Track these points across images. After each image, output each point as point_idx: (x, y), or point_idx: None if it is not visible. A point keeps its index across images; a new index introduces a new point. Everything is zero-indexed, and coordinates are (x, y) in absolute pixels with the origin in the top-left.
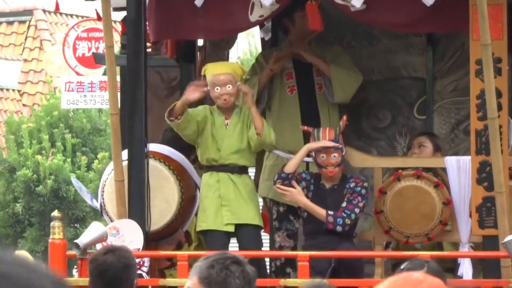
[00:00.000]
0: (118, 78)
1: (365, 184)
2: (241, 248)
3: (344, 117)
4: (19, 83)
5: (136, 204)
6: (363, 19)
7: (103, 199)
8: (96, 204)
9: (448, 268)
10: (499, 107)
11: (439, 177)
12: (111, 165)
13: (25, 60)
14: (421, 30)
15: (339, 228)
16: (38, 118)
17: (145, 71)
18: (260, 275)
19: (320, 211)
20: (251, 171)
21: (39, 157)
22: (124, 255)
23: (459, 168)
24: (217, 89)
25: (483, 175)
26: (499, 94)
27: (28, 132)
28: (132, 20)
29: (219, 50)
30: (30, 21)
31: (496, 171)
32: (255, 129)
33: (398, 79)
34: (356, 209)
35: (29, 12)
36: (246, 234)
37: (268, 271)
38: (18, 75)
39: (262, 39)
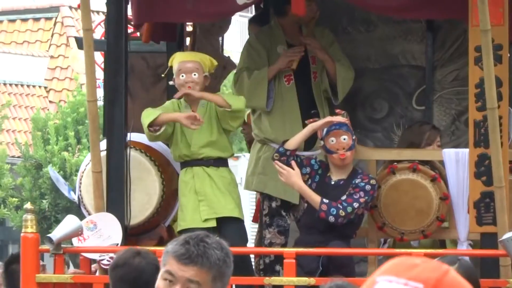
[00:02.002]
0: None
1: (372, 182)
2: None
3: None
4: (45, 79)
5: (115, 197)
6: (358, 3)
7: (80, 191)
8: (74, 197)
9: None
10: (499, 97)
11: (437, 170)
12: (89, 156)
13: (52, 57)
14: (419, 16)
15: (331, 219)
16: (65, 115)
17: (126, 56)
18: (246, 272)
19: (315, 198)
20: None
21: (65, 153)
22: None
23: (458, 161)
24: (182, 76)
25: (482, 169)
26: (499, 83)
27: (55, 128)
28: (113, 2)
29: (211, 36)
30: (56, 17)
31: (496, 164)
32: (219, 107)
33: (396, 67)
34: (354, 203)
35: (55, 9)
36: (228, 229)
37: (255, 268)
38: (45, 71)
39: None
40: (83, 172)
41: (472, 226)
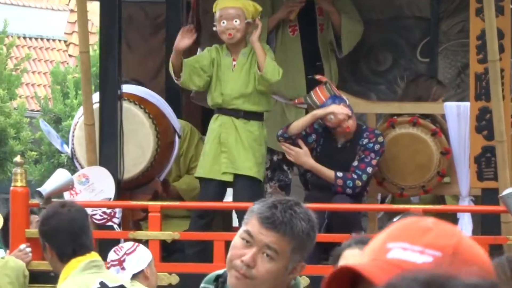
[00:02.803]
0: None
1: (380, 139)
2: (235, 200)
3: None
4: (65, 33)
5: (108, 150)
6: None
7: (73, 144)
8: (67, 150)
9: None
10: (501, 49)
11: (438, 124)
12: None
13: (72, 11)
14: None
15: (349, 191)
16: None
17: (120, 6)
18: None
19: (328, 173)
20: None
21: None
22: (80, 206)
23: (459, 115)
24: (223, 22)
25: (483, 123)
26: (501, 35)
27: (74, 82)
28: None
29: None
30: None
31: (497, 118)
32: (257, 64)
33: (401, 18)
34: (368, 168)
35: None
36: (240, 186)
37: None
38: (64, 25)
39: None
40: (76, 125)
41: (472, 182)
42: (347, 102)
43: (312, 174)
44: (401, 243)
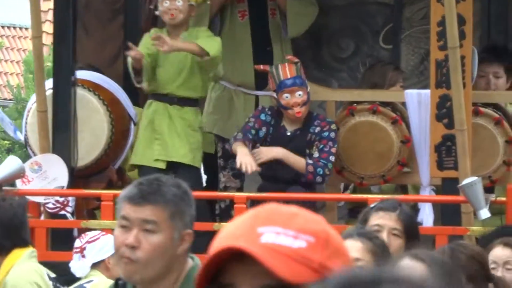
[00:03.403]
0: None
1: (333, 126)
2: None
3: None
4: None
5: (61, 138)
6: None
7: (26, 131)
8: (20, 137)
9: None
10: (462, 36)
11: (398, 112)
12: None
13: None
14: None
15: (319, 179)
16: None
17: None
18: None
19: (299, 161)
20: None
21: None
22: (20, 199)
23: (420, 103)
24: (166, 3)
25: (443, 111)
26: (462, 21)
27: (47, 71)
28: None
29: None
30: None
31: (457, 106)
32: (199, 57)
33: (363, 4)
34: (330, 157)
35: None
36: (179, 175)
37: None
38: None
39: None
40: (29, 111)
41: (433, 171)
42: (308, 89)
43: (263, 165)
44: (273, 227)
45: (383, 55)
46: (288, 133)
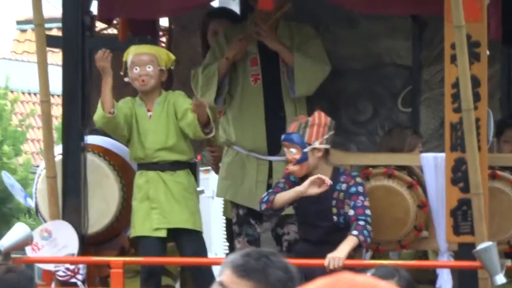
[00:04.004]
0: None
1: (359, 180)
2: (181, 255)
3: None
4: None
5: (71, 204)
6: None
7: (36, 197)
8: (31, 204)
9: (431, 280)
10: (477, 98)
11: (415, 176)
12: None
13: None
14: (389, 11)
15: (368, 240)
16: None
17: (83, 53)
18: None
19: (351, 240)
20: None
21: None
22: (27, 272)
23: (437, 167)
24: (136, 69)
25: (459, 174)
26: (476, 83)
27: None
28: None
29: (190, 33)
30: None
31: (472, 169)
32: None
33: (381, 66)
34: (366, 211)
35: None
36: (182, 241)
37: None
38: None
39: None
40: (38, 177)
41: (449, 236)
42: (306, 149)
43: (301, 226)
44: None
45: (402, 118)
46: (316, 195)
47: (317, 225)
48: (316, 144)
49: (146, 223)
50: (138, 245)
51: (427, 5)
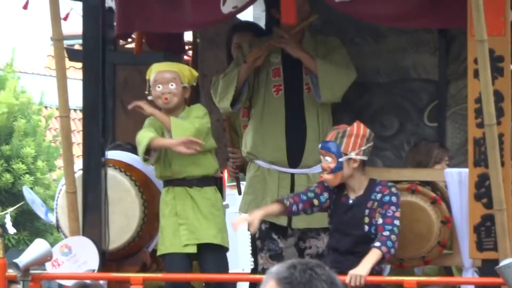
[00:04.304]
0: None
1: (394, 190)
2: (202, 271)
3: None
4: None
5: (92, 220)
6: (348, 11)
7: (57, 213)
8: (52, 219)
9: None
10: (501, 113)
11: (438, 192)
12: None
13: None
14: (414, 24)
15: (393, 251)
16: None
17: (104, 67)
18: None
19: (374, 253)
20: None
21: None
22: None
23: (461, 182)
24: (159, 87)
25: (482, 190)
26: (500, 98)
27: None
28: (89, 8)
29: (216, 47)
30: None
31: (496, 185)
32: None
33: (407, 81)
34: (395, 221)
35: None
36: (206, 256)
37: None
38: None
39: None
40: (59, 193)
41: (472, 252)
42: (341, 159)
43: (332, 234)
44: None
45: (428, 133)
46: (350, 201)
47: (349, 233)
48: (352, 155)
49: (175, 240)
50: (164, 261)
51: (453, 19)
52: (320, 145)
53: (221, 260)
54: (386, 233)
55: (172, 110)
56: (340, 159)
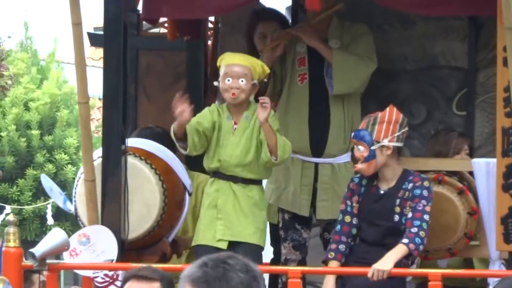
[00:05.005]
0: None
1: (426, 184)
2: None
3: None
4: None
5: (111, 209)
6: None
7: (75, 201)
8: (70, 207)
9: None
10: None
11: (465, 182)
12: None
13: None
14: (443, 11)
15: (421, 247)
16: None
17: (125, 52)
18: None
19: (400, 249)
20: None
21: None
22: None
23: (489, 173)
24: (228, 80)
25: (510, 181)
26: None
27: None
28: None
29: (238, 33)
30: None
31: None
32: (268, 148)
33: (435, 68)
34: (425, 216)
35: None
36: (240, 253)
37: None
38: None
39: None
40: (78, 181)
41: (499, 244)
42: (374, 147)
43: (361, 225)
44: None
45: (456, 122)
46: (382, 191)
47: (378, 224)
48: (385, 142)
49: (209, 232)
50: (196, 251)
51: (482, 6)
52: (352, 134)
53: (256, 259)
54: (415, 229)
55: (237, 106)
56: (373, 147)
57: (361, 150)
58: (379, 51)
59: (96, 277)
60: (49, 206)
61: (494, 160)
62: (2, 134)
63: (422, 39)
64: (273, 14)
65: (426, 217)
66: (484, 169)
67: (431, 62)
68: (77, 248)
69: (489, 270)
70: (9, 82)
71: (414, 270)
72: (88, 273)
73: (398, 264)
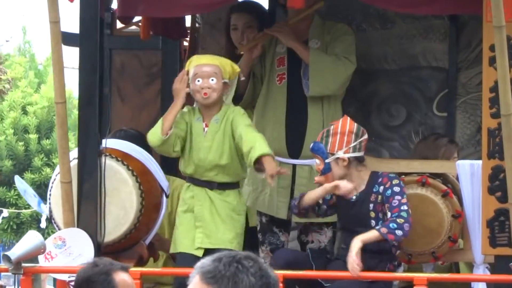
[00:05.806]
0: None
1: (395, 181)
2: None
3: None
4: None
5: (87, 211)
6: None
7: (50, 203)
8: (45, 210)
9: None
10: None
11: (450, 185)
12: None
13: None
14: (426, 11)
15: (399, 233)
16: None
17: (101, 52)
18: None
19: (372, 233)
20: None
21: None
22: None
23: (473, 175)
24: (198, 81)
25: (496, 183)
26: None
27: None
28: None
29: (217, 33)
30: None
31: (510, 178)
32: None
33: (415, 69)
34: (402, 207)
35: None
36: None
37: None
38: None
39: None
40: (53, 183)
41: (484, 248)
42: (327, 159)
43: (342, 232)
44: None
45: (437, 123)
46: (353, 198)
47: (356, 231)
48: (340, 154)
49: (187, 240)
50: (176, 259)
51: (465, 5)
52: (310, 146)
53: None
54: (392, 218)
55: (209, 107)
56: (327, 160)
57: (318, 163)
58: (359, 51)
59: (72, 281)
60: (45, 209)
61: (479, 162)
62: (0, 138)
63: (402, 39)
64: (245, 6)
65: (404, 207)
66: (469, 171)
67: (411, 62)
68: (52, 251)
69: (474, 274)
70: (7, 86)
71: (399, 274)
72: (64, 276)
73: (384, 269)
